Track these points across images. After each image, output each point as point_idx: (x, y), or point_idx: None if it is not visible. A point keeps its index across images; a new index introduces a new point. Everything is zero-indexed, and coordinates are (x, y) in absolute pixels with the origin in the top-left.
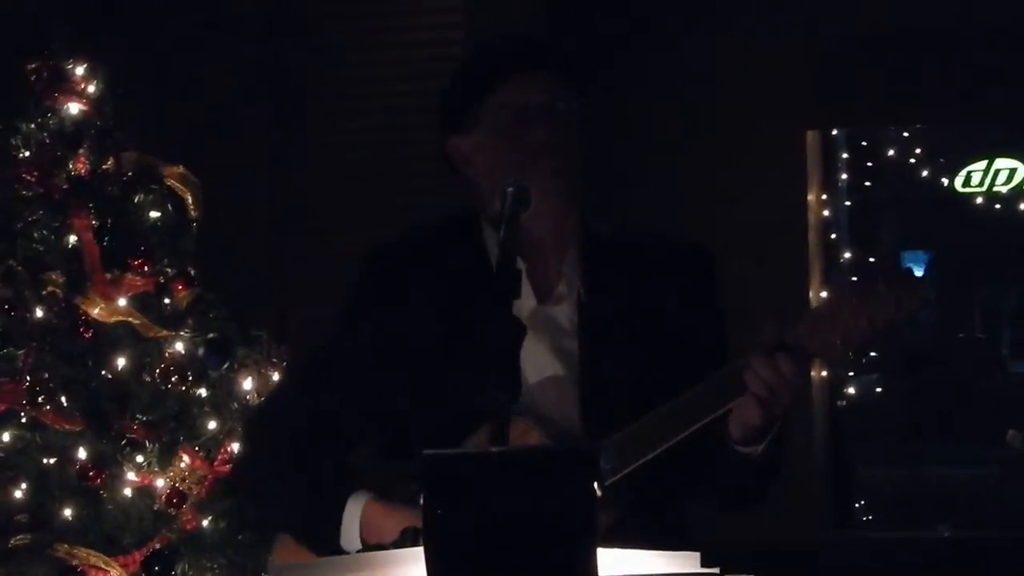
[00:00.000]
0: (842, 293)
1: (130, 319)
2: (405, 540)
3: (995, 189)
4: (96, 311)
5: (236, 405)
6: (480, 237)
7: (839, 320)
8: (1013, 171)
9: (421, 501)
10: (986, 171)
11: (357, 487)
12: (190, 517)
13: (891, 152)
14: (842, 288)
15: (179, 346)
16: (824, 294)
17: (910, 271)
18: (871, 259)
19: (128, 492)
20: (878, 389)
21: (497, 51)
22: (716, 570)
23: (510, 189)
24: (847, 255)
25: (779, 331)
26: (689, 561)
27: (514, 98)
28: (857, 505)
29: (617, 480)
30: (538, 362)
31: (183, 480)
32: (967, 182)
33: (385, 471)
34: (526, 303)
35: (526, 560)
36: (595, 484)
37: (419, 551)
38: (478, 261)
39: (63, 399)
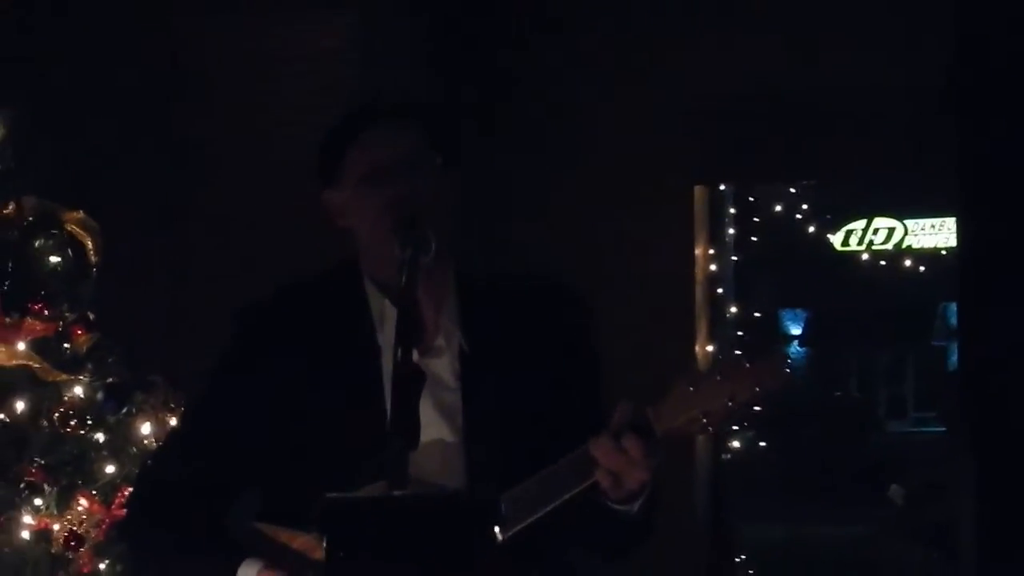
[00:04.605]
0: (701, 372)
1: (29, 363)
2: None
3: (874, 248)
4: None
5: (134, 449)
6: (360, 288)
7: (700, 398)
8: (891, 230)
9: (323, 545)
10: (865, 230)
11: (244, 553)
12: (87, 561)
13: (777, 208)
14: (700, 368)
15: (78, 390)
16: (685, 372)
17: (770, 347)
18: (756, 314)
19: (25, 535)
20: (761, 444)
21: (360, 106)
22: None
23: (412, 238)
24: (733, 309)
25: (631, 411)
26: None
27: (367, 150)
28: (738, 560)
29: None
30: (422, 421)
31: (80, 524)
32: (846, 241)
33: (269, 536)
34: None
35: None
36: (495, 529)
37: None
38: (358, 312)
39: None
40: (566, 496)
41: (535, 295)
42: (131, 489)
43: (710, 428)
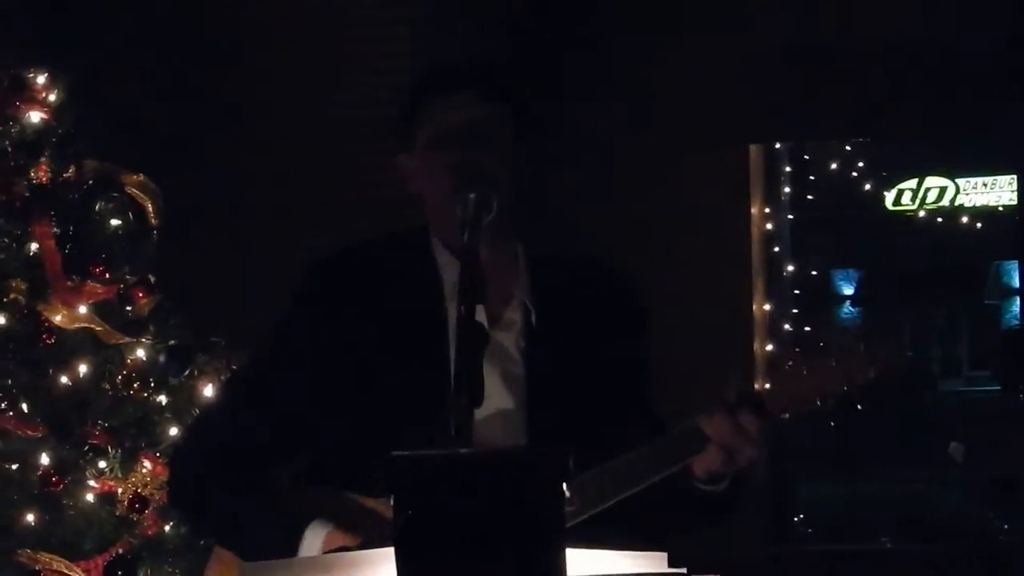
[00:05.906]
0: (817, 355)
1: (91, 326)
2: (373, 541)
3: (927, 205)
4: (58, 318)
5: (196, 411)
6: (429, 252)
7: (815, 381)
8: (943, 189)
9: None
10: (916, 189)
11: (309, 515)
12: (151, 523)
13: (832, 166)
14: (813, 351)
15: (140, 353)
16: (801, 355)
17: (886, 331)
18: (812, 272)
19: (90, 498)
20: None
21: (435, 70)
22: (683, 570)
23: (472, 195)
24: (789, 268)
25: (742, 389)
26: (656, 561)
27: (436, 115)
28: (797, 519)
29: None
30: (487, 391)
31: (145, 486)
32: (898, 200)
33: (334, 498)
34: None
35: (496, 559)
36: (563, 484)
37: (389, 551)
38: (427, 276)
39: (24, 406)
40: (672, 469)
41: (600, 278)
42: (177, 445)
43: (822, 410)
